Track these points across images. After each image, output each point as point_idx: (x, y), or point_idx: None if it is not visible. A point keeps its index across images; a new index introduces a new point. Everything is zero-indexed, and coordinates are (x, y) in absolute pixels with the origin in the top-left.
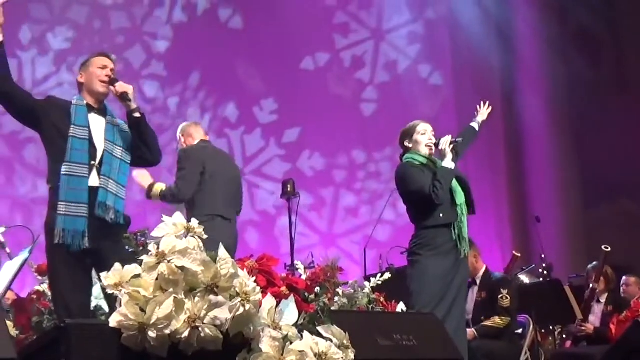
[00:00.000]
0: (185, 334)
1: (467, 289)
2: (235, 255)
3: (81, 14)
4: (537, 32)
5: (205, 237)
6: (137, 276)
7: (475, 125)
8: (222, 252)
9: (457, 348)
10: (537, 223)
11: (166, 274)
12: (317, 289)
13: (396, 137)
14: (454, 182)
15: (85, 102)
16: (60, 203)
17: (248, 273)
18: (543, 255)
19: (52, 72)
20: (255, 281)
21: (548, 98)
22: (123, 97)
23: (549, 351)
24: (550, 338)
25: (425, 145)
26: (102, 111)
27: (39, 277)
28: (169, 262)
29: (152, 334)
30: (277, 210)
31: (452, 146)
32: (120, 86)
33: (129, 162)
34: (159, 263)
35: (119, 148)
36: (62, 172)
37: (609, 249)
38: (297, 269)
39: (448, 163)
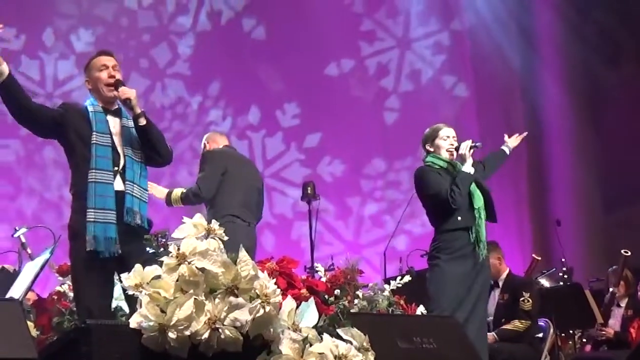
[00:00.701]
0: (206, 335)
1: (490, 291)
2: (254, 258)
3: (108, 11)
4: (558, 38)
5: (225, 238)
6: (158, 277)
7: (506, 149)
8: (243, 253)
9: (477, 352)
10: (557, 226)
11: (187, 275)
12: (337, 292)
13: (417, 147)
14: (473, 186)
15: (100, 105)
16: (89, 210)
17: (268, 275)
18: (563, 259)
19: (75, 74)
20: (275, 283)
21: (570, 104)
22: (126, 103)
23: (569, 355)
24: (570, 342)
25: (447, 150)
26: (117, 112)
27: (60, 278)
28: (189, 263)
29: (172, 335)
30: (295, 214)
31: (472, 150)
32: (123, 92)
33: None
34: (179, 264)
35: (138, 152)
36: (88, 179)
37: (629, 253)
38: (317, 272)
39: (467, 167)
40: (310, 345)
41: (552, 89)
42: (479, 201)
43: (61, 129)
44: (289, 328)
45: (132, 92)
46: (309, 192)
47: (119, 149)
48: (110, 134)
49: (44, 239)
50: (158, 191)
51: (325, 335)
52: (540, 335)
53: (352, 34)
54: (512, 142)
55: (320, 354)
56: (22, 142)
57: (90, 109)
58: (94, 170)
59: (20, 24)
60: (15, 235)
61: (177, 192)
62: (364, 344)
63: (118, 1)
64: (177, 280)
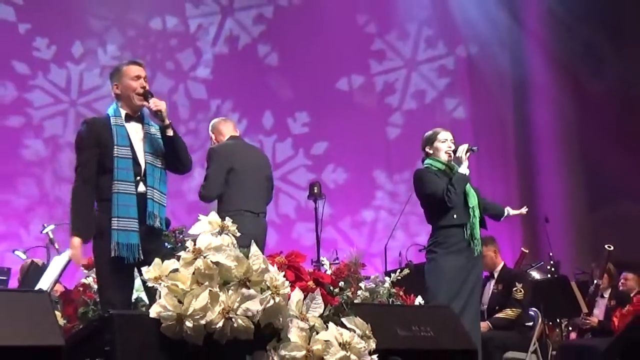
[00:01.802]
0: (220, 324)
1: (485, 282)
2: (264, 246)
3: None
4: (549, 57)
5: (238, 234)
6: (176, 270)
7: (506, 211)
8: (254, 248)
9: (471, 339)
10: (546, 223)
11: (202, 268)
12: (342, 283)
13: (416, 161)
14: (468, 186)
15: (123, 114)
16: (113, 219)
17: (278, 268)
18: (551, 253)
19: (99, 85)
20: (284, 276)
21: (557, 115)
22: (156, 114)
23: (556, 342)
24: (557, 330)
25: (445, 153)
26: (139, 118)
27: (85, 271)
28: (204, 257)
29: (189, 324)
30: (298, 215)
31: (468, 154)
32: (154, 103)
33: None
34: (195, 258)
35: (158, 158)
36: (112, 190)
37: (612, 248)
38: (322, 265)
39: (463, 169)
40: (317, 333)
41: (541, 108)
42: (473, 200)
43: (99, 154)
44: (297, 317)
45: (163, 104)
46: (315, 191)
47: (140, 158)
48: (131, 142)
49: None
50: None
51: (331, 324)
52: (530, 323)
53: (363, 52)
54: (512, 212)
55: (326, 341)
56: (44, 143)
57: (112, 121)
58: (116, 182)
59: (52, 35)
60: (44, 232)
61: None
62: (367, 332)
63: (144, 27)
64: (193, 273)
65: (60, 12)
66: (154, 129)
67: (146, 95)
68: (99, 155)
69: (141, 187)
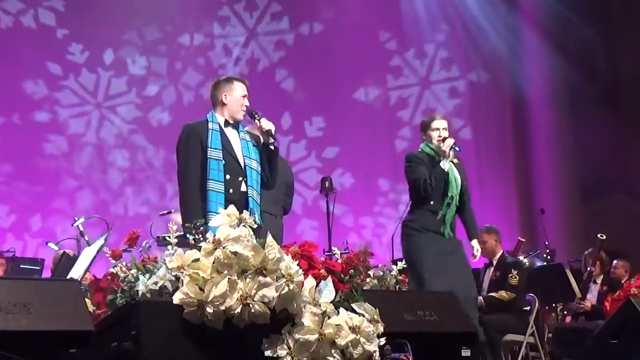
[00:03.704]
0: (238, 310)
1: (485, 269)
2: (281, 244)
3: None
4: (544, 68)
5: (255, 226)
6: (197, 260)
7: (474, 242)
8: (270, 239)
9: (472, 322)
10: (542, 215)
11: (221, 258)
12: (352, 271)
13: None
14: (452, 177)
15: (221, 121)
16: (207, 213)
17: (292, 257)
18: (547, 242)
19: (124, 91)
20: (298, 264)
21: (552, 112)
22: (268, 133)
23: (552, 325)
24: (553, 314)
25: (436, 140)
26: (235, 125)
27: (113, 261)
28: (224, 248)
29: (209, 309)
30: (304, 212)
31: (451, 150)
32: (266, 123)
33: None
34: (215, 249)
35: (254, 161)
36: (207, 188)
37: (604, 237)
38: (333, 254)
39: (444, 164)
40: (329, 317)
41: (538, 111)
42: (452, 189)
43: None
44: (310, 303)
45: (272, 125)
46: (326, 185)
47: (241, 160)
48: (232, 146)
49: (100, 228)
50: None
51: (342, 309)
52: (527, 308)
53: (382, 67)
54: (475, 248)
55: (337, 325)
56: (67, 139)
57: (209, 126)
58: (210, 181)
59: (87, 42)
60: (75, 225)
61: None
62: (375, 316)
63: (172, 43)
64: (213, 263)
65: (96, 22)
66: (249, 137)
67: (252, 114)
68: (201, 156)
69: (243, 187)
